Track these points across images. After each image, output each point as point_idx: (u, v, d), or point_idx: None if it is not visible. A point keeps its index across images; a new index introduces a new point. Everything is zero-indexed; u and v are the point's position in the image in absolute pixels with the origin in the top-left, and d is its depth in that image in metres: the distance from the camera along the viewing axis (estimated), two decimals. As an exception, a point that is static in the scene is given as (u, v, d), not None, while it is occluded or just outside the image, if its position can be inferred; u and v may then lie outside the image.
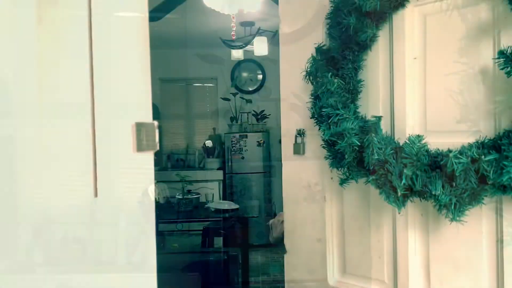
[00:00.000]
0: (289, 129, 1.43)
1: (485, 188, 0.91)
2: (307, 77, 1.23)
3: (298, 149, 1.39)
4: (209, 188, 5.61)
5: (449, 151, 0.96)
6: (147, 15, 0.85)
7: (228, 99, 6.18)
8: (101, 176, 0.69)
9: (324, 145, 1.16)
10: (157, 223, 4.44)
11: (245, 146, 5.88)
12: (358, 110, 1.16)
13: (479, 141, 0.98)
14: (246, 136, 5.86)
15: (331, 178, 1.22)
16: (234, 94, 6.24)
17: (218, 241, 4.88)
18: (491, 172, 0.88)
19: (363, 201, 1.25)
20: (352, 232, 0.98)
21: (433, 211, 1.03)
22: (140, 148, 0.74)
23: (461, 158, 0.91)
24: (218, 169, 5.91)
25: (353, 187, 1.24)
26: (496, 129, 1.02)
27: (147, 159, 0.83)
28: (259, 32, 4.62)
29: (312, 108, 1.15)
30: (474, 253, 1.06)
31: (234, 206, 4.15)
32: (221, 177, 5.86)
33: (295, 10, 1.43)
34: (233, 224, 4.68)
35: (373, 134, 1.05)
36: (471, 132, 1.04)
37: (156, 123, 0.84)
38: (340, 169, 1.14)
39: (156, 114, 6.40)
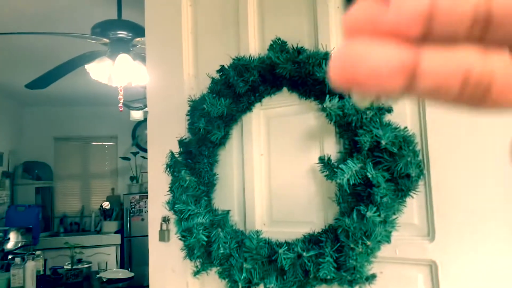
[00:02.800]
0: (155, 217, 1.48)
1: (309, 281, 1.03)
2: (167, 169, 1.30)
3: (163, 236, 1.44)
4: (105, 254, 5.31)
5: (281, 245, 1.09)
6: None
7: (128, 158, 6.06)
8: None
9: (181, 238, 1.22)
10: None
11: (145, 207, 5.73)
12: (212, 203, 1.25)
13: (307, 236, 1.12)
14: (147, 197, 5.74)
15: (192, 268, 1.28)
16: (135, 154, 6.14)
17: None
18: (312, 267, 1.00)
19: (220, 288, 1.32)
20: None
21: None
22: None
23: (288, 254, 1.04)
24: (116, 232, 5.64)
25: (214, 275, 1.31)
26: (325, 221, 1.17)
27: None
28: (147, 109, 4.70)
29: (167, 203, 1.22)
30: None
31: (129, 274, 3.97)
32: (119, 241, 5.60)
33: (161, 99, 1.53)
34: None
35: (219, 229, 1.14)
36: (306, 223, 1.18)
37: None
38: (193, 261, 1.21)
39: (49, 175, 6.01)
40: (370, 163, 0.99)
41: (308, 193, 1.22)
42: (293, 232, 1.15)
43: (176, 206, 1.16)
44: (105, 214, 5.88)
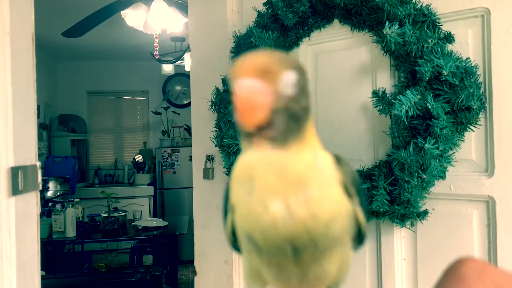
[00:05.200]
0: (199, 154, 1.48)
1: (360, 214, 1.02)
2: (212, 107, 1.29)
3: (208, 174, 1.45)
4: (139, 205, 5.50)
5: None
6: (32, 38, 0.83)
7: (159, 113, 6.12)
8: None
9: (227, 173, 1.22)
10: (83, 242, 4.26)
11: (177, 161, 5.84)
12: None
13: (359, 170, 1.10)
14: (178, 151, 5.83)
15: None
16: (166, 108, 6.19)
17: (148, 259, 4.79)
18: (364, 200, 0.99)
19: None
20: None
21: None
22: (16, 192, 0.74)
23: (340, 187, 1.03)
24: (149, 184, 5.81)
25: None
26: (375, 159, 1.15)
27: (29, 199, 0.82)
28: (189, 48, 4.66)
29: (215, 138, 1.21)
30: (358, 273, 1.17)
31: (162, 223, 4.11)
32: (152, 193, 5.77)
33: (203, 38, 1.50)
34: (162, 241, 4.62)
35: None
36: (355, 161, 1.16)
37: (39, 163, 0.85)
38: None
39: (83, 128, 6.17)
40: (430, 93, 0.95)
41: (357, 131, 1.19)
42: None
43: (224, 140, 1.15)
44: (137, 167, 6.03)
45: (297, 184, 0.24)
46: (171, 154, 5.87)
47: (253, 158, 0.25)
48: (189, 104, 6.33)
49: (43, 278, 2.67)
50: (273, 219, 0.24)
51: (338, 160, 0.29)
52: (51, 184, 4.97)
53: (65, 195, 4.99)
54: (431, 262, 1.08)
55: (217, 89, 1.29)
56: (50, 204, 4.46)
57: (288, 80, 0.24)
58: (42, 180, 3.94)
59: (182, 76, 6.29)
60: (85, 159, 6.19)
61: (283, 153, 0.24)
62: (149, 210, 5.69)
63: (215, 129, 1.26)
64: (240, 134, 0.26)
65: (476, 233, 1.02)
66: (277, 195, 0.24)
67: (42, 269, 3.16)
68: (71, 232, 3.90)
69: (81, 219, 4.08)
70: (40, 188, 0.86)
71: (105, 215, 4.12)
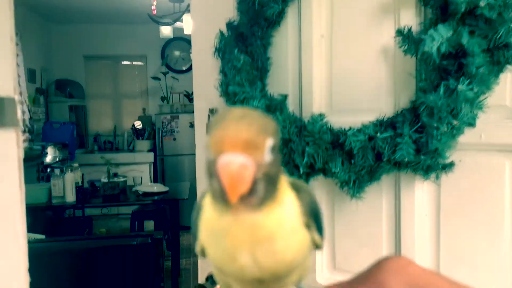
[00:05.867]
0: (201, 109, 1.38)
1: (382, 165, 0.93)
2: (216, 53, 1.17)
3: (211, 129, 1.36)
4: (139, 171, 5.43)
5: (349, 129, 0.97)
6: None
7: (158, 78, 5.97)
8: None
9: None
10: (84, 207, 4.22)
11: (177, 128, 5.74)
12: (266, 88, 1.13)
13: (379, 120, 0.99)
14: (178, 117, 5.72)
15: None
16: (165, 73, 6.04)
17: (149, 225, 4.77)
18: (386, 149, 0.89)
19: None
20: None
21: (337, 188, 1.04)
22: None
23: (358, 136, 0.92)
24: (149, 151, 5.72)
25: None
26: (396, 108, 1.04)
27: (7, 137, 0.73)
28: (188, 9, 4.48)
29: (220, 85, 1.10)
30: (375, 227, 1.09)
31: (163, 188, 4.04)
32: (152, 160, 5.70)
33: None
34: (163, 207, 4.58)
35: (278, 113, 1.03)
36: (373, 110, 1.06)
37: (18, 98, 0.75)
38: None
39: (81, 93, 6.03)
40: (466, 28, 0.83)
41: (377, 77, 1.08)
42: (356, 122, 1.03)
43: (230, 88, 1.05)
44: (137, 134, 5.94)
45: (265, 240, 0.25)
46: (170, 121, 5.76)
47: (227, 219, 0.26)
48: (188, 70, 6.17)
49: (42, 241, 2.61)
50: (240, 268, 0.26)
51: (299, 191, 0.30)
52: (49, 150, 4.89)
53: (64, 161, 4.91)
54: (456, 218, 1.00)
55: (221, 33, 1.18)
56: (49, 170, 4.39)
57: (270, 147, 0.25)
58: (40, 146, 3.83)
59: (181, 41, 6.10)
60: (84, 125, 6.09)
61: (256, 215, 0.25)
62: (150, 177, 5.63)
63: (219, 77, 1.15)
64: (213, 196, 0.27)
65: (508, 187, 0.93)
66: (245, 250, 0.26)
67: (41, 233, 3.11)
68: (70, 197, 3.84)
69: (80, 184, 4.01)
70: (21, 127, 0.76)
71: (105, 181, 4.05)
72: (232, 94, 1.05)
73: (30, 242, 2.17)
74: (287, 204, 0.27)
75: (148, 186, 4.12)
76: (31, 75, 5.29)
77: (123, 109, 6.34)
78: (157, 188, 3.98)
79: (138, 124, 5.99)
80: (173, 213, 3.87)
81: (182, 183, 4.83)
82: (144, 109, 6.20)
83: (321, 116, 1.00)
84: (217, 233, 0.27)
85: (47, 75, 5.84)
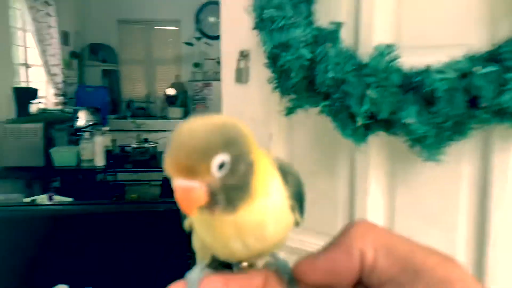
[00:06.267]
0: (230, 52, 1.13)
1: (475, 115, 0.66)
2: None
3: (241, 76, 1.10)
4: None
5: (426, 68, 0.70)
6: None
7: (191, 44, 5.75)
8: None
9: (268, 63, 0.87)
10: (114, 172, 4.12)
11: (210, 95, 5.54)
12: (313, 14, 0.86)
13: (469, 57, 0.71)
14: (211, 84, 5.51)
15: (280, 112, 0.95)
16: (198, 39, 5.81)
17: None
18: (488, 90, 0.62)
19: (316, 139, 0.99)
20: (303, 177, 0.73)
21: (402, 148, 0.78)
22: None
23: (445, 73, 0.66)
24: (181, 118, 5.57)
25: (305, 121, 0.97)
26: (493, 39, 0.75)
27: None
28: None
29: (253, 9, 0.85)
30: (451, 202, 0.83)
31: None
32: (184, 127, 5.55)
33: None
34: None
35: (329, 45, 0.77)
36: (457, 46, 0.77)
37: None
38: (285, 95, 0.86)
39: (114, 58, 5.91)
40: None
41: (463, 4, 0.79)
42: (434, 61, 0.75)
43: (266, 12, 0.80)
44: (169, 100, 5.79)
45: (252, 229, 0.26)
46: (203, 88, 5.56)
47: (209, 217, 0.25)
48: (223, 35, 5.91)
49: (69, 204, 2.49)
50: (232, 252, 0.27)
51: (285, 174, 0.28)
52: (81, 114, 4.81)
53: (96, 125, 4.82)
54: None
55: None
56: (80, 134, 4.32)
57: (217, 166, 0.24)
58: (72, 110, 3.72)
59: (216, 5, 5.81)
60: (117, 90, 5.99)
61: (233, 215, 0.25)
62: (181, 145, 5.49)
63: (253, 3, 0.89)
64: None
65: None
66: (236, 239, 0.26)
67: (69, 196, 3.01)
68: (100, 161, 3.75)
69: (110, 148, 3.90)
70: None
71: (135, 146, 3.93)
72: (269, 21, 0.80)
73: (56, 204, 2.05)
74: (272, 193, 0.27)
75: (178, 153, 3.96)
76: (64, 38, 5.20)
77: (156, 75, 6.19)
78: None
79: (170, 91, 5.83)
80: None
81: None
82: (177, 76, 6.02)
83: (390, 48, 0.73)
84: (206, 224, 0.27)
85: (81, 39, 5.74)
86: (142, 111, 5.97)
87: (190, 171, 0.23)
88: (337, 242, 0.24)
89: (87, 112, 4.85)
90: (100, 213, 2.28)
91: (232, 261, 0.29)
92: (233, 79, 1.13)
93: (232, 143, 0.24)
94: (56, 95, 4.81)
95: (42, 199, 3.02)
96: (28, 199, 3.07)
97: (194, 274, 0.27)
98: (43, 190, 3.88)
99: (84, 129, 4.38)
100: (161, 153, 4.05)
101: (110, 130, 4.32)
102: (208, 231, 0.27)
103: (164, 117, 5.72)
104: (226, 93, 1.16)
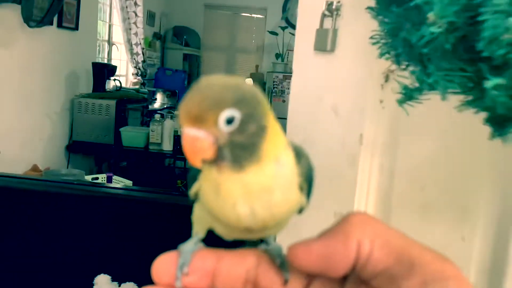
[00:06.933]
0: (309, 6, 0.77)
1: None
2: None
3: (324, 41, 0.74)
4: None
5: None
6: None
7: (276, 33, 5.45)
8: None
9: (375, 7, 0.50)
10: (184, 159, 3.96)
11: (288, 89, 5.20)
12: None
13: None
14: (291, 78, 5.17)
15: (381, 100, 0.57)
16: (284, 28, 5.50)
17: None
18: None
19: (444, 151, 0.60)
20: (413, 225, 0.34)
21: None
22: None
23: None
24: (256, 110, 5.32)
25: (428, 118, 0.58)
26: None
27: None
28: None
29: None
30: None
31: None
32: (259, 119, 5.28)
33: None
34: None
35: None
36: None
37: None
38: (403, 64, 0.48)
39: (197, 42, 5.82)
40: None
41: None
42: None
43: None
44: (246, 91, 5.57)
45: (260, 192, 0.26)
46: (282, 81, 5.23)
47: (217, 175, 0.26)
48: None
49: (127, 188, 2.31)
50: (238, 217, 0.26)
51: (298, 155, 0.28)
52: (158, 96, 4.74)
53: (171, 108, 4.72)
54: None
55: None
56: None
57: (225, 119, 0.24)
58: (150, 91, 3.58)
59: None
60: (195, 76, 5.90)
61: (240, 174, 0.25)
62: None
63: None
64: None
65: None
66: (243, 201, 0.26)
67: (133, 179, 2.86)
68: (167, 145, 3.60)
69: (179, 133, 3.72)
70: None
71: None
72: None
73: (111, 187, 1.86)
74: (283, 163, 0.27)
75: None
76: (150, 18, 5.17)
77: (236, 63, 5.98)
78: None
79: (248, 81, 5.59)
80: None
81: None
82: (257, 66, 5.76)
83: None
84: (214, 186, 0.27)
85: (166, 20, 5.71)
86: (218, 99, 5.81)
87: (198, 120, 0.24)
88: (334, 230, 0.24)
89: (163, 94, 4.77)
90: (159, 202, 2.06)
91: (236, 231, 0.28)
92: (311, 46, 0.77)
93: (245, 102, 0.25)
94: (135, 74, 4.79)
95: (103, 178, 2.91)
96: (89, 177, 2.98)
97: (187, 246, 0.27)
98: (109, 168, 3.84)
99: (158, 112, 4.28)
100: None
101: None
102: (215, 194, 0.27)
103: (239, 107, 5.49)
104: (299, 66, 0.80)
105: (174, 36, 5.73)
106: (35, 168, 2.94)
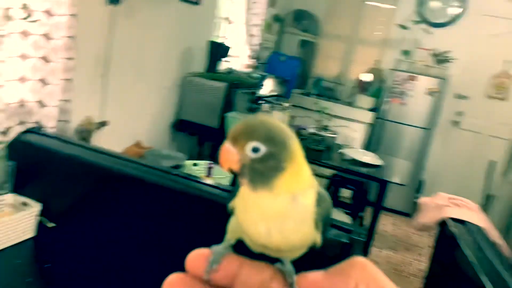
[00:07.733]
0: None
1: None
2: None
3: None
4: (352, 129, 4.61)
5: None
6: None
7: (405, 27, 4.85)
8: None
9: None
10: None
11: (411, 91, 4.61)
12: None
13: None
14: (416, 79, 4.57)
15: None
16: (416, 23, 4.87)
17: (344, 191, 4.03)
18: None
19: None
20: None
21: None
22: None
23: None
24: (370, 110, 4.81)
25: None
26: None
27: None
28: None
29: None
30: None
31: (376, 161, 3.15)
32: (370, 120, 4.79)
33: None
34: (366, 183, 3.71)
35: None
36: None
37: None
38: None
39: (316, 29, 5.45)
40: None
41: None
42: None
43: None
44: (362, 87, 5.08)
45: (275, 217, 0.32)
46: (405, 81, 4.66)
47: (247, 194, 0.34)
48: (445, 24, 4.81)
49: (220, 188, 2.11)
50: (257, 233, 0.33)
51: (321, 199, 0.35)
52: (267, 82, 4.51)
53: (279, 96, 4.47)
54: None
55: None
56: (260, 102, 4.01)
57: (252, 147, 0.32)
58: (260, 75, 3.32)
59: (449, -16, 4.74)
60: (309, 64, 5.55)
61: (257, 195, 0.33)
62: (362, 139, 4.77)
63: None
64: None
65: None
66: (262, 221, 0.33)
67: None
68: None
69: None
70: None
71: (312, 131, 3.39)
72: None
73: (210, 186, 1.66)
74: (299, 199, 0.33)
75: (358, 152, 3.28)
76: (271, -1, 4.92)
77: (354, 56, 5.50)
78: (369, 158, 3.11)
79: (366, 76, 5.10)
80: (377, 194, 2.96)
81: (399, 161, 3.82)
82: (376, 61, 5.23)
83: None
84: (243, 205, 0.35)
85: (287, 2, 5.42)
86: (329, 91, 5.41)
87: (235, 140, 0.33)
88: (338, 270, 0.29)
89: (274, 81, 4.53)
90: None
91: (257, 245, 0.34)
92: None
93: (273, 142, 0.32)
94: (249, 57, 4.60)
95: (204, 165, 2.76)
96: (190, 162, 2.86)
97: (219, 248, 0.32)
98: (211, 153, 3.73)
99: (265, 99, 4.05)
100: (338, 146, 3.43)
101: (291, 105, 3.91)
102: (244, 211, 0.34)
103: (350, 104, 5.05)
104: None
105: (294, 20, 5.43)
106: (138, 144, 2.90)
